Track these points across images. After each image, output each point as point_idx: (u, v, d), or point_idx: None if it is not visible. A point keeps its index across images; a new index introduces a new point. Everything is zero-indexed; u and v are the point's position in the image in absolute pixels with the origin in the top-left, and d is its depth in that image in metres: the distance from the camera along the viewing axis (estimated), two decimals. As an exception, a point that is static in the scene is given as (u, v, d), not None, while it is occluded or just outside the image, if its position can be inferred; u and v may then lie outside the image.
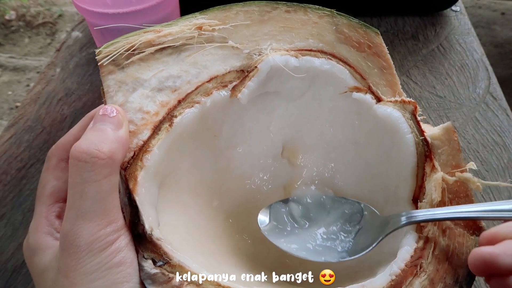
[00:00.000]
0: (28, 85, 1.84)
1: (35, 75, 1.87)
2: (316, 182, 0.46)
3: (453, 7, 0.82)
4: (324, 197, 0.43)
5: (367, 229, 0.38)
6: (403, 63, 0.72)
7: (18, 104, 1.74)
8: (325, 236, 0.39)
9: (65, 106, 0.66)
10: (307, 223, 0.41)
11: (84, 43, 0.77)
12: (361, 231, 0.38)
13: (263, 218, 0.40)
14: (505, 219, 0.30)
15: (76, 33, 0.80)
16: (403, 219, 0.34)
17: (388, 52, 0.40)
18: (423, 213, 0.33)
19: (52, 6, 2.18)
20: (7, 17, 2.10)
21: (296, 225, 0.41)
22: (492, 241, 0.29)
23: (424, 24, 0.79)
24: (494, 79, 0.69)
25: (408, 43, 0.75)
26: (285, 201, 0.42)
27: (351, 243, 0.38)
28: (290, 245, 0.38)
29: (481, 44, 0.76)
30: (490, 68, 0.71)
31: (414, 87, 0.68)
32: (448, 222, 0.34)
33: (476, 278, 0.48)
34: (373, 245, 0.35)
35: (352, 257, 0.36)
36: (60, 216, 0.34)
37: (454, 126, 0.62)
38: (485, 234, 0.30)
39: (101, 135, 0.31)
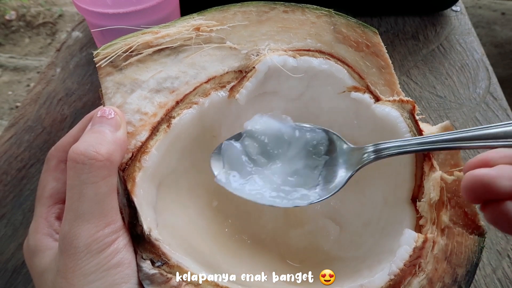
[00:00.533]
0: (28, 85, 1.84)
1: (35, 75, 1.87)
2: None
3: (453, 7, 0.82)
4: (281, 127, 0.39)
5: (335, 163, 0.36)
6: (403, 63, 0.72)
7: (19, 104, 1.75)
8: (289, 175, 0.36)
9: (66, 106, 0.66)
10: (266, 161, 0.38)
11: (85, 43, 0.77)
12: (329, 164, 0.36)
13: (216, 163, 0.37)
14: (491, 147, 0.28)
15: (76, 33, 0.80)
16: (371, 154, 0.33)
17: (386, 51, 0.40)
18: (393, 144, 0.32)
19: (52, 6, 2.18)
20: (7, 17, 2.10)
21: (254, 166, 0.37)
22: (482, 166, 0.27)
23: (424, 24, 0.79)
24: (494, 79, 0.69)
25: (408, 43, 0.75)
26: (237, 137, 0.39)
27: (319, 180, 0.35)
28: (252, 192, 0.35)
29: (481, 44, 0.76)
30: (490, 68, 0.71)
31: (414, 87, 0.68)
32: (447, 221, 0.34)
33: (476, 277, 0.48)
34: (345, 182, 0.34)
35: (323, 198, 0.34)
36: (59, 217, 0.34)
37: (454, 126, 0.62)
38: (472, 161, 0.28)
39: (98, 137, 0.31)
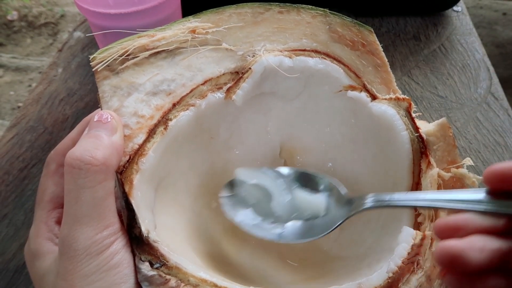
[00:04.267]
0: (30, 85, 1.85)
1: (37, 75, 1.87)
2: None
3: (455, 7, 0.82)
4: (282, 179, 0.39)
5: (331, 209, 0.36)
6: (404, 63, 0.72)
7: (20, 104, 1.75)
8: (287, 213, 0.37)
9: (67, 106, 0.67)
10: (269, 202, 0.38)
11: (86, 43, 0.77)
12: (329, 211, 0.36)
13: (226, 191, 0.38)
14: (466, 210, 0.28)
15: (78, 33, 0.80)
16: (369, 202, 0.33)
17: (382, 50, 0.41)
18: (388, 198, 0.32)
19: (54, 6, 2.19)
20: (9, 17, 2.10)
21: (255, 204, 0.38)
22: (453, 232, 0.27)
23: (425, 24, 0.79)
24: (495, 79, 0.69)
25: (410, 43, 0.75)
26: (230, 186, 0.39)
27: (313, 222, 0.36)
28: (250, 223, 0.36)
29: (483, 44, 0.76)
30: (491, 68, 0.71)
31: (415, 87, 0.68)
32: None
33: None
34: (334, 227, 0.34)
35: (312, 238, 0.35)
36: (59, 221, 0.34)
37: (455, 126, 0.62)
38: (441, 223, 0.28)
39: (95, 142, 0.32)
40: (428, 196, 0.30)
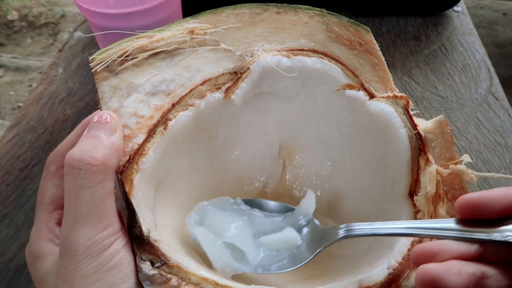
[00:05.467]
0: (30, 86, 1.85)
1: (37, 75, 1.88)
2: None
3: (455, 8, 0.82)
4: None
5: (309, 240, 0.38)
6: (405, 64, 0.72)
7: (21, 104, 1.75)
8: (267, 249, 0.38)
9: (68, 106, 0.67)
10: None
11: (87, 43, 0.77)
12: (304, 242, 0.38)
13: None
14: (440, 237, 0.30)
15: (78, 34, 0.80)
16: (341, 232, 0.34)
17: (379, 48, 0.41)
18: (360, 227, 0.34)
19: (54, 6, 2.19)
20: (9, 17, 2.10)
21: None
22: (430, 257, 0.29)
23: (426, 25, 0.79)
24: (496, 80, 0.69)
25: (410, 44, 0.75)
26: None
27: (293, 254, 0.37)
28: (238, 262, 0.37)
29: (483, 44, 0.76)
30: (492, 68, 0.71)
31: (416, 88, 0.68)
32: (444, 214, 0.34)
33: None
34: (311, 257, 0.36)
35: (291, 268, 0.36)
36: (60, 223, 0.34)
37: (456, 126, 0.62)
38: (419, 250, 0.30)
39: (94, 142, 0.32)
40: (407, 225, 0.32)
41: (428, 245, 0.29)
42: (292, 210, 0.40)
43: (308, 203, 0.40)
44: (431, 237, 0.31)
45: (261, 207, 0.41)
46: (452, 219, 0.30)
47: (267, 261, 0.37)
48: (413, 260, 0.30)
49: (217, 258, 0.36)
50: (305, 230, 0.38)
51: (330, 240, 0.35)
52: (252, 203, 0.41)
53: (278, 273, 0.36)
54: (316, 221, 0.39)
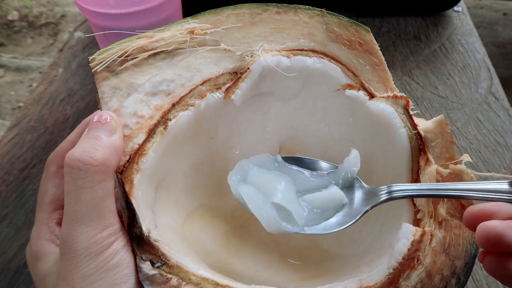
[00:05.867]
0: (30, 86, 1.85)
1: (37, 76, 1.88)
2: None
3: (455, 8, 0.82)
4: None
5: (355, 199, 0.37)
6: (405, 64, 0.72)
7: (21, 104, 1.75)
8: (313, 208, 0.37)
9: (68, 106, 0.67)
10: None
11: (87, 43, 0.77)
12: (350, 201, 0.37)
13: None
14: (492, 200, 0.30)
15: (78, 34, 0.80)
16: (385, 195, 0.34)
17: (379, 48, 0.41)
18: (408, 188, 0.33)
19: (54, 6, 2.19)
20: (9, 17, 2.11)
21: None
22: (485, 217, 0.29)
23: (426, 25, 0.79)
24: (496, 80, 0.69)
25: (410, 44, 0.75)
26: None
27: (339, 213, 0.36)
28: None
29: (483, 44, 0.76)
30: (492, 68, 0.71)
31: (416, 87, 0.68)
32: (444, 214, 0.34)
33: (477, 277, 0.48)
34: (359, 216, 0.35)
35: (339, 229, 0.35)
36: (60, 223, 0.34)
37: (456, 126, 0.62)
38: (473, 209, 0.30)
39: (94, 142, 0.32)
40: (459, 186, 0.31)
41: (483, 206, 0.29)
42: (334, 168, 0.39)
43: (353, 162, 0.38)
44: (483, 200, 0.31)
45: (300, 164, 0.39)
46: (505, 181, 0.30)
47: (312, 221, 0.36)
48: (467, 221, 0.30)
49: (265, 218, 0.35)
50: (350, 189, 0.37)
51: (377, 200, 0.35)
52: (291, 160, 0.40)
53: (325, 233, 0.35)
54: (361, 181, 0.38)
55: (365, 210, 0.35)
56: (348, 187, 0.37)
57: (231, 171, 0.38)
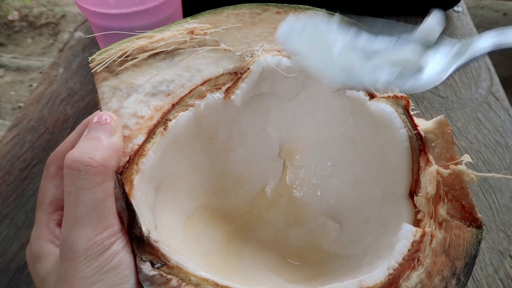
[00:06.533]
0: (31, 86, 1.85)
1: (38, 76, 1.88)
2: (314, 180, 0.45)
3: (455, 8, 0.82)
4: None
5: (435, 54, 0.33)
6: (405, 64, 0.72)
7: (21, 104, 1.75)
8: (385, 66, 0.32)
9: (68, 106, 0.67)
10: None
11: (87, 43, 0.77)
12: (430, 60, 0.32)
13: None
14: None
15: (79, 34, 0.80)
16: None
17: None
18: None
19: (55, 6, 2.19)
20: (10, 17, 2.11)
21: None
22: None
23: (426, 25, 0.79)
24: (496, 80, 0.69)
25: (410, 44, 0.75)
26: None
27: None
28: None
29: (484, 44, 0.76)
30: (492, 68, 0.71)
31: (416, 88, 0.68)
32: (444, 214, 0.34)
33: (477, 277, 0.48)
34: (449, 72, 0.31)
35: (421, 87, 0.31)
36: (60, 224, 0.34)
37: (456, 126, 0.62)
38: None
39: (93, 143, 0.32)
40: None
41: None
42: (409, 31, 0.34)
43: (434, 22, 0.33)
44: None
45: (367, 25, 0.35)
46: None
47: (387, 77, 0.32)
48: None
49: (325, 70, 0.31)
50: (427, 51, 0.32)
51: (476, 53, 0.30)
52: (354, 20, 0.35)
53: (411, 91, 0.31)
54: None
55: (458, 62, 0.31)
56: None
57: (280, 23, 0.34)
